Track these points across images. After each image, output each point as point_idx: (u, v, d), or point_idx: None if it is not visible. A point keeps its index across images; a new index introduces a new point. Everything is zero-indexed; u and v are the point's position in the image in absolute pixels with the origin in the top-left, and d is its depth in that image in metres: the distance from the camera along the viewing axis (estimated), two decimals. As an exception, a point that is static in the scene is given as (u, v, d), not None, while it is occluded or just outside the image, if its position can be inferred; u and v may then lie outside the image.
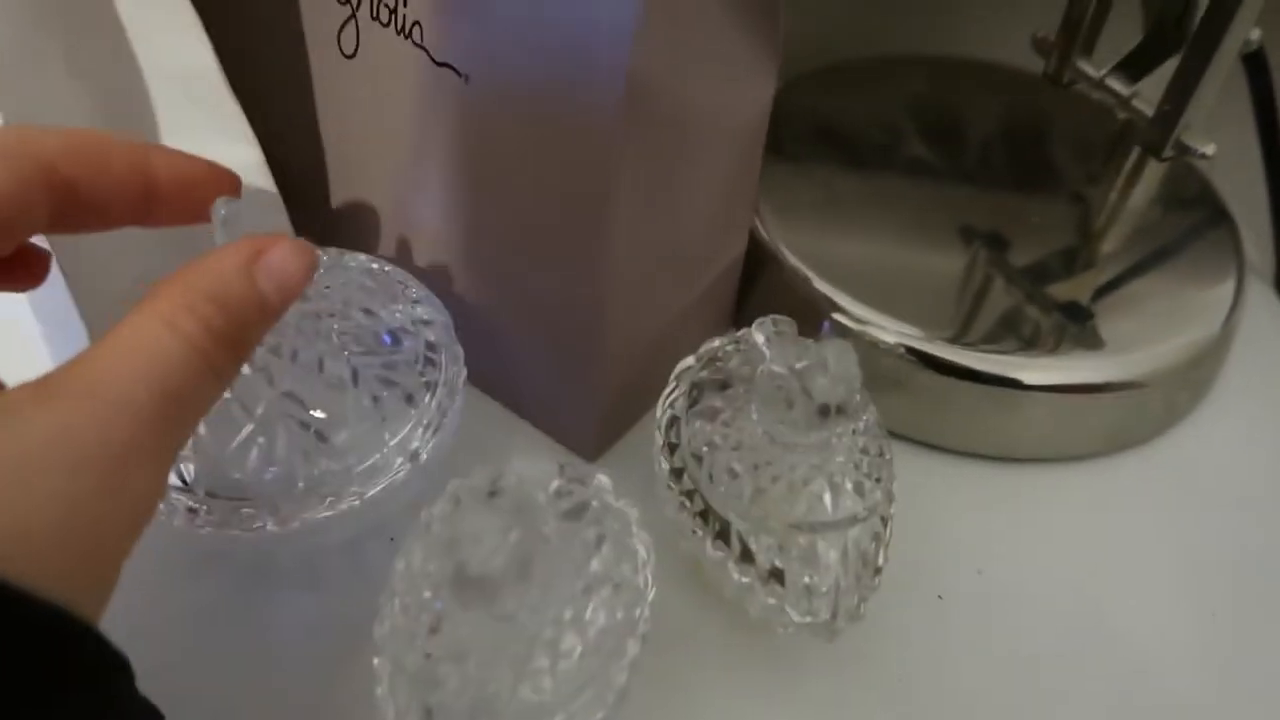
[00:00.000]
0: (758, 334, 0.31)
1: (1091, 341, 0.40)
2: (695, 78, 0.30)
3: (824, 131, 0.47)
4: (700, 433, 0.32)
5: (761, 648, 0.33)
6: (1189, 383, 0.41)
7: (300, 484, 0.29)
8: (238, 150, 0.36)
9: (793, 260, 0.41)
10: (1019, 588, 0.36)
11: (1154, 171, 0.43)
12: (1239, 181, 0.45)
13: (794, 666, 0.33)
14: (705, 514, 0.31)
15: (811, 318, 0.41)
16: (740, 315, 0.43)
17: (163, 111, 0.34)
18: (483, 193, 0.33)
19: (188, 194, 0.27)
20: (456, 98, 0.31)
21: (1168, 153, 0.39)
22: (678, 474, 0.32)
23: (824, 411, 0.28)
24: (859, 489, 0.30)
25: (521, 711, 0.25)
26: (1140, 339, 0.40)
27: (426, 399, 0.31)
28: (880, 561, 0.31)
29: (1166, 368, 0.40)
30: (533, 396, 0.38)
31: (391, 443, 0.30)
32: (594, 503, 0.29)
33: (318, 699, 0.31)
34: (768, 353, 0.31)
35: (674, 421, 0.33)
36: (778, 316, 0.32)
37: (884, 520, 0.31)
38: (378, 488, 0.30)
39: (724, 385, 0.32)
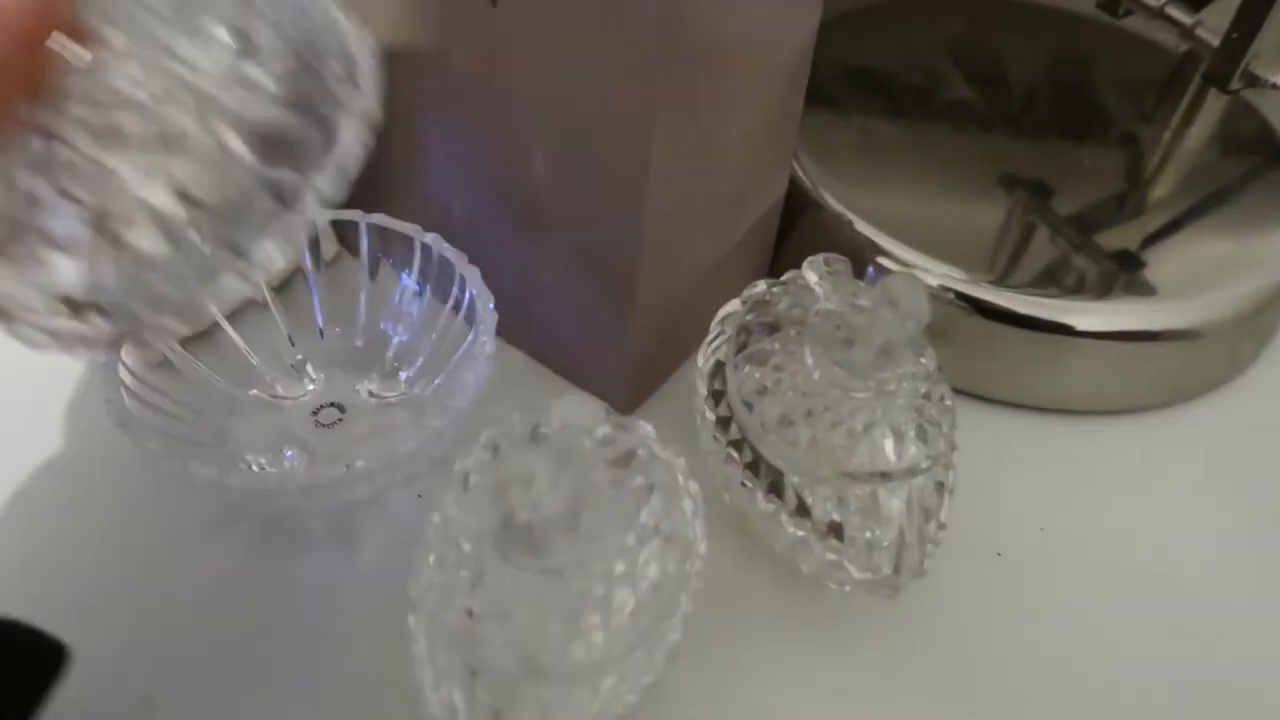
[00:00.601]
0: (809, 273, 0.30)
1: (1143, 288, 0.38)
2: (738, 4, 0.28)
3: (863, 74, 0.45)
4: (749, 378, 0.30)
5: (812, 604, 0.31)
6: (1252, 332, 0.39)
7: None
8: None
9: (835, 204, 0.39)
10: (1081, 545, 0.34)
11: (1213, 108, 0.41)
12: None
13: (847, 624, 0.31)
14: (755, 465, 0.29)
15: (854, 264, 0.39)
16: (777, 264, 0.41)
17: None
18: (512, 133, 0.31)
19: None
20: (483, 24, 0.29)
21: (1234, 84, 0.37)
22: (724, 423, 0.30)
23: (887, 350, 0.26)
24: (921, 435, 0.28)
25: (571, 671, 0.24)
26: (1198, 286, 0.38)
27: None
28: (944, 513, 0.29)
29: (1226, 317, 0.38)
30: (564, 348, 0.36)
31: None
32: (640, 451, 0.27)
33: (351, 660, 0.29)
34: (820, 291, 0.29)
35: (719, 368, 0.31)
36: (830, 255, 0.30)
37: (947, 469, 0.29)
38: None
39: (773, 328, 0.30)
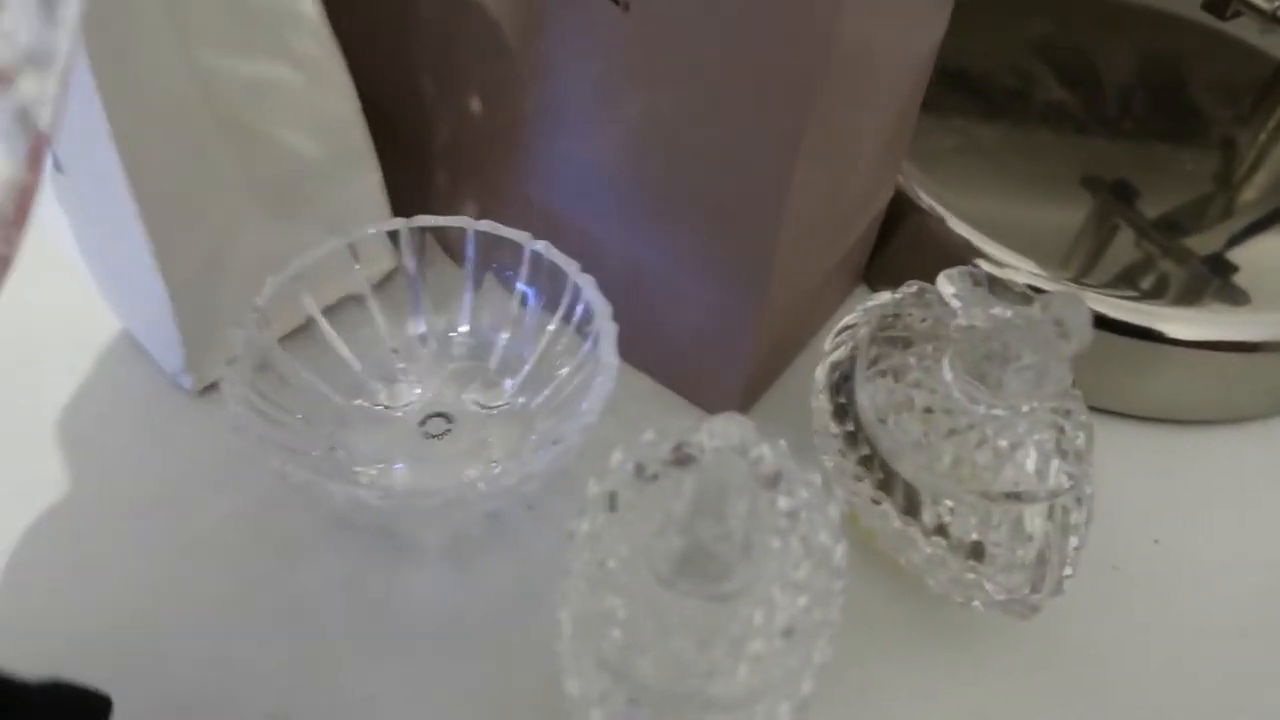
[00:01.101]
0: (945, 286, 0.29)
1: (1237, 296, 0.38)
2: (887, 16, 0.27)
3: (958, 75, 0.44)
4: (880, 393, 0.29)
5: (935, 620, 0.31)
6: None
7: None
8: (329, 92, 0.33)
9: (931, 205, 0.38)
10: (1196, 556, 0.33)
11: (1312, 114, 0.40)
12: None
13: (972, 642, 0.31)
14: (887, 483, 0.29)
15: (950, 264, 0.39)
16: (872, 266, 0.40)
17: (243, 55, 0.31)
18: (642, 142, 0.30)
19: None
20: (612, 29, 0.28)
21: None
22: (851, 439, 0.30)
23: (1043, 370, 0.26)
24: (1061, 453, 0.28)
25: (737, 697, 0.23)
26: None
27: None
28: (1083, 531, 0.28)
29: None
30: (675, 356, 0.35)
31: None
32: (784, 470, 0.26)
33: (470, 678, 0.29)
34: (957, 305, 0.28)
35: (844, 382, 0.31)
36: (969, 268, 0.29)
37: (1087, 487, 0.29)
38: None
39: (907, 342, 0.30)
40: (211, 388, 0.35)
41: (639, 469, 0.25)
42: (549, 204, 0.35)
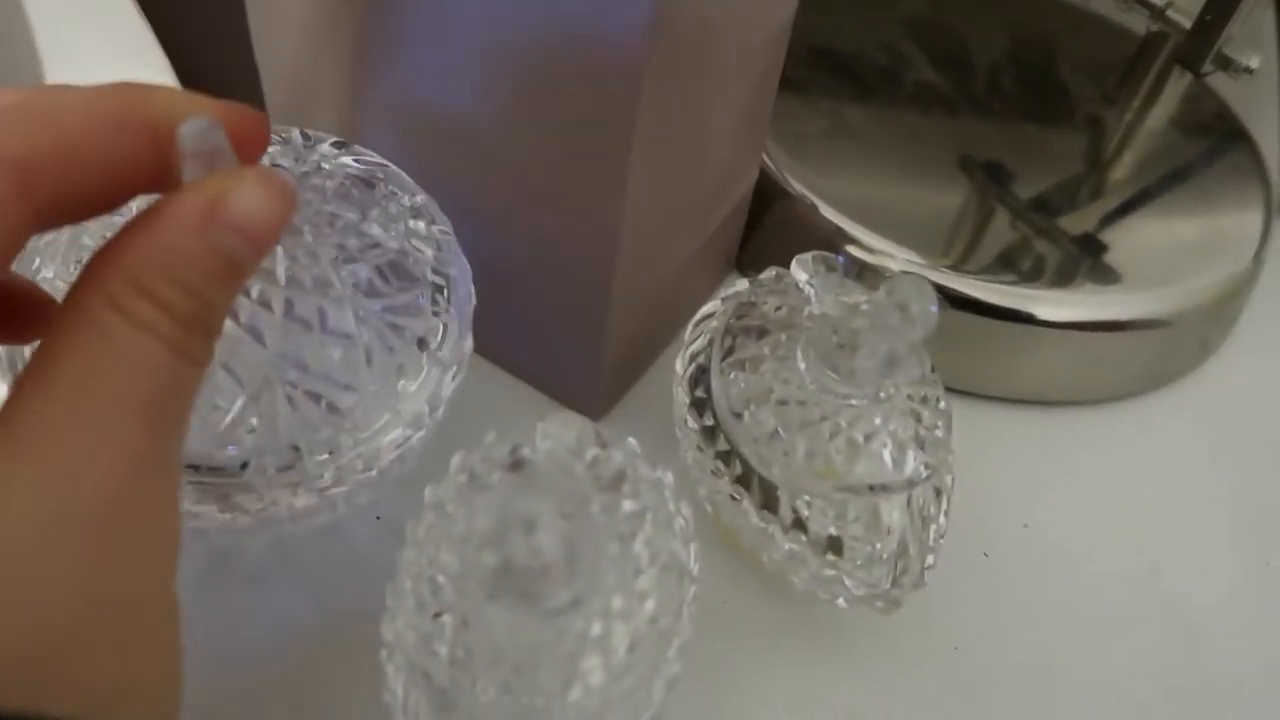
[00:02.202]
0: (799, 272, 0.28)
1: (1108, 276, 0.37)
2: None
3: (825, 56, 0.43)
4: (736, 386, 0.28)
5: (804, 619, 0.30)
6: (1220, 318, 0.39)
7: (304, 457, 0.24)
8: (144, 76, 0.30)
9: (801, 191, 0.37)
10: (1065, 540, 0.33)
11: (1173, 91, 0.40)
12: (1257, 103, 0.43)
13: (841, 638, 0.30)
14: (745, 478, 0.28)
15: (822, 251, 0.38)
16: (744, 253, 0.39)
17: (41, 25, 0.28)
18: (478, 121, 0.28)
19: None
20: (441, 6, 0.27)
21: (1206, 67, 0.36)
22: (710, 434, 0.29)
23: (893, 358, 0.25)
24: (919, 442, 0.27)
25: (570, 717, 0.22)
26: (1164, 274, 0.38)
27: (439, 338, 0.26)
28: (943, 521, 0.28)
29: (1197, 305, 0.38)
30: (529, 350, 0.34)
31: (406, 399, 0.25)
32: (629, 471, 0.25)
33: (306, 704, 0.27)
34: (810, 292, 0.27)
35: (701, 374, 0.29)
36: (823, 253, 0.28)
37: (946, 475, 0.28)
38: (394, 454, 0.25)
39: (761, 332, 0.28)
40: None
41: (470, 474, 0.24)
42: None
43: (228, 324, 0.24)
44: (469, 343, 0.27)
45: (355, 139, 0.29)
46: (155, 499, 0.17)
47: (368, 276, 0.25)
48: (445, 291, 0.27)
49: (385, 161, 0.28)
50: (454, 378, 0.26)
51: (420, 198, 0.28)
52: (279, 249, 0.24)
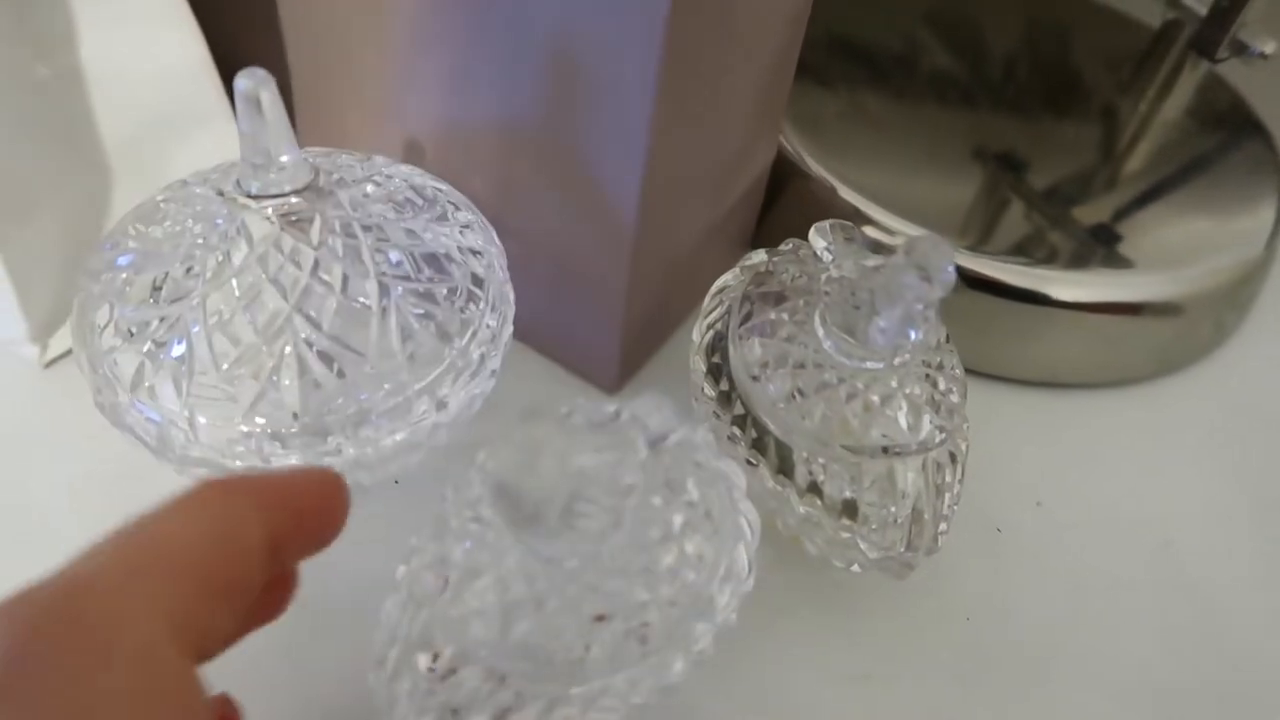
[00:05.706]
0: (817, 239, 0.28)
1: (1121, 261, 0.38)
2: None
3: (845, 42, 0.44)
4: (753, 351, 0.28)
5: (817, 585, 0.30)
6: (1235, 303, 0.40)
7: (297, 422, 0.24)
8: (172, 37, 0.31)
9: (819, 172, 0.38)
10: (1078, 518, 0.33)
11: (1188, 80, 0.41)
12: (1272, 92, 0.43)
13: (854, 604, 0.30)
14: (761, 442, 0.28)
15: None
16: (760, 234, 0.40)
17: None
18: (496, 96, 0.29)
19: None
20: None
21: (1222, 53, 0.36)
22: (726, 399, 0.29)
23: (909, 317, 0.25)
24: (934, 406, 0.27)
25: (589, 673, 0.22)
26: (1177, 259, 0.38)
27: (464, 340, 0.27)
28: (957, 488, 0.28)
29: (1208, 290, 0.38)
30: (547, 324, 0.34)
31: (417, 386, 0.26)
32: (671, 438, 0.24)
33: (307, 663, 0.27)
34: (829, 259, 0.28)
35: (718, 342, 0.30)
36: (840, 221, 0.28)
37: (961, 441, 0.28)
38: (396, 435, 0.26)
39: (780, 298, 0.29)
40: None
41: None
42: (415, 148, 0.33)
43: (254, 272, 0.24)
44: (490, 383, 0.28)
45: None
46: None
47: (399, 260, 0.26)
48: (479, 303, 0.27)
49: (446, 185, 0.29)
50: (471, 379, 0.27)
51: (475, 217, 0.29)
52: (317, 215, 0.25)
